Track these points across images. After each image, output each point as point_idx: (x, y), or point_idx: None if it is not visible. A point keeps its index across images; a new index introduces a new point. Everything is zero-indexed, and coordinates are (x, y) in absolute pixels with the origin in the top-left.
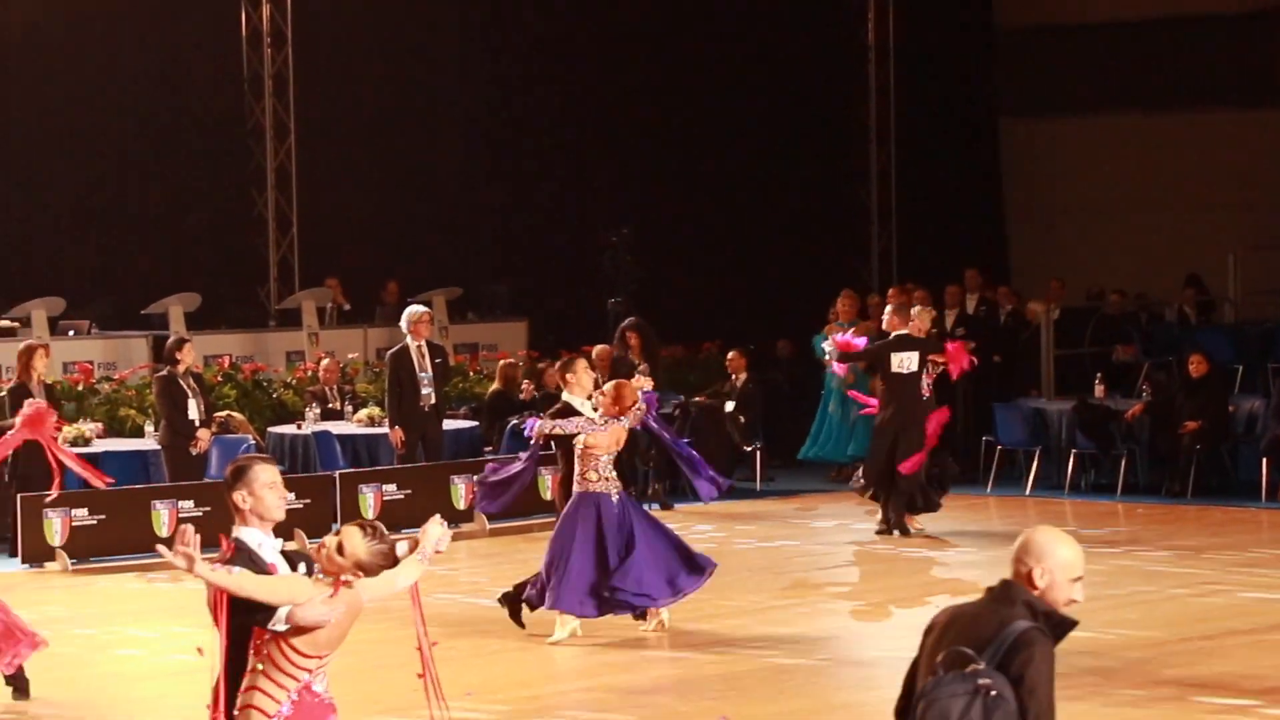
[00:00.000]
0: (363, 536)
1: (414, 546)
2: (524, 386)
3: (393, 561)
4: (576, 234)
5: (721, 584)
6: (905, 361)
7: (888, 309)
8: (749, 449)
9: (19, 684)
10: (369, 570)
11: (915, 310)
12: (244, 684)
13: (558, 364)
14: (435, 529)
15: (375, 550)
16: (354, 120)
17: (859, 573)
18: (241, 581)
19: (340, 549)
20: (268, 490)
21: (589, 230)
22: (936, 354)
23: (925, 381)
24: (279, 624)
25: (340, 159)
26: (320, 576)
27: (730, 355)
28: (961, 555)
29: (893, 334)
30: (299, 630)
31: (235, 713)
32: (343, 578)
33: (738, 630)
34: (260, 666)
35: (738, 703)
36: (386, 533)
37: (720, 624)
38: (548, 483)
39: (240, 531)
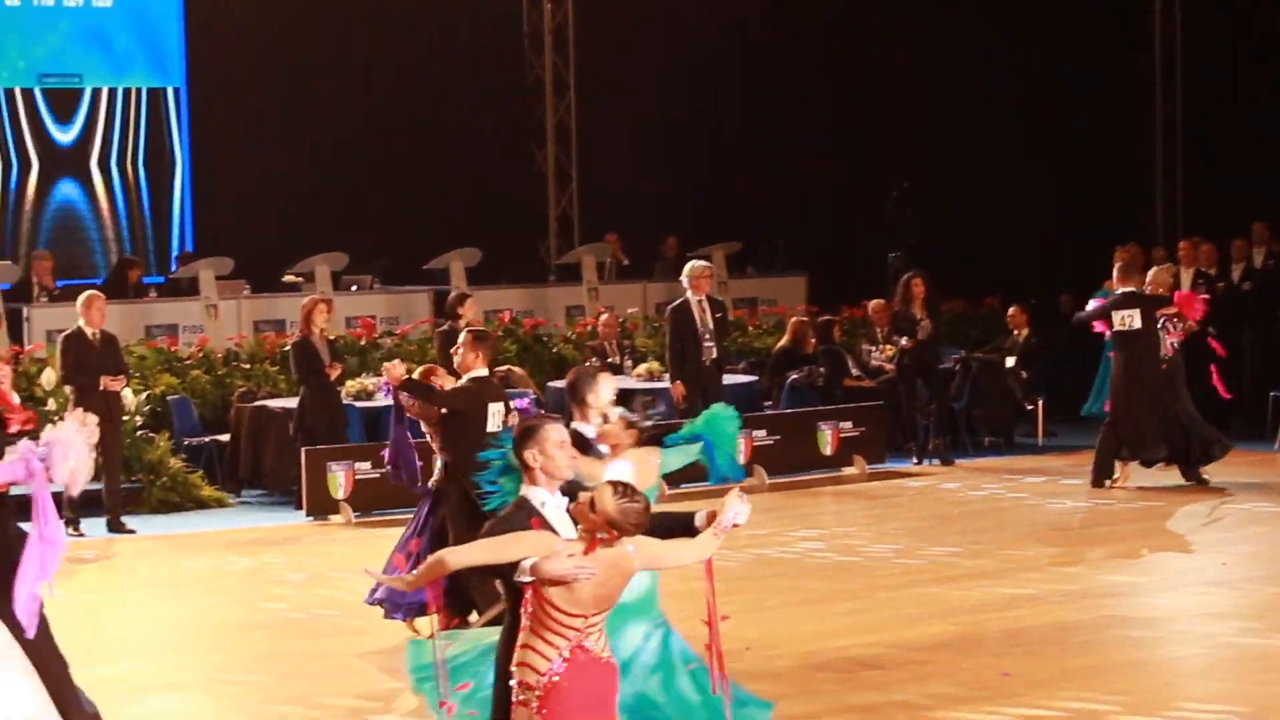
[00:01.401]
0: (613, 495)
1: (711, 518)
2: (810, 342)
3: (643, 521)
4: (856, 188)
5: (1002, 540)
6: (1127, 319)
7: (1115, 266)
8: (1030, 406)
9: None
10: (622, 529)
11: (1153, 270)
12: (519, 640)
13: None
14: (735, 502)
15: (626, 508)
16: (634, 75)
17: (1138, 529)
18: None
19: (593, 505)
20: (558, 449)
21: (869, 184)
22: (1164, 308)
23: (1169, 340)
24: (523, 575)
25: (620, 113)
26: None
27: (1011, 310)
28: (1246, 509)
29: (1119, 291)
30: (556, 587)
31: (512, 668)
32: (598, 535)
33: (1020, 587)
34: (530, 624)
35: (1021, 659)
36: (639, 492)
37: (1002, 580)
38: (828, 437)
39: (528, 490)
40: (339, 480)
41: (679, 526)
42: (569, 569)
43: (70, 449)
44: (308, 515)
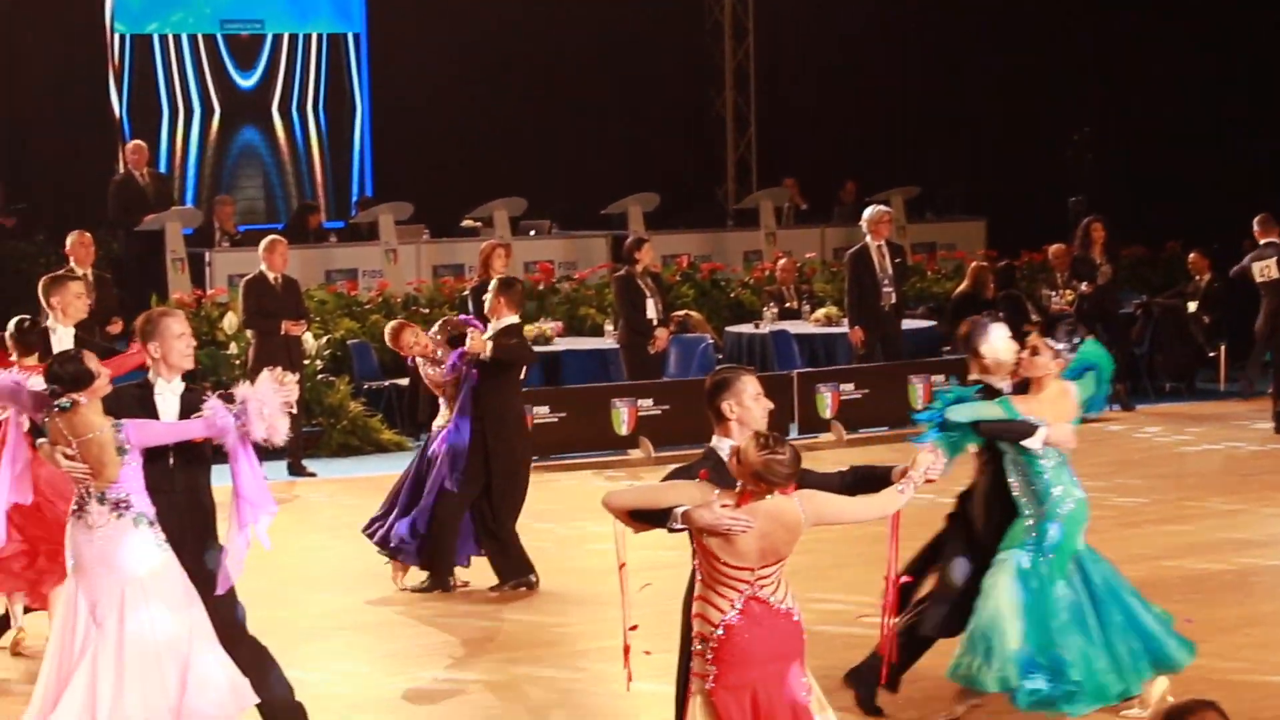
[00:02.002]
0: (758, 447)
1: (903, 473)
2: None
3: (791, 472)
4: (1035, 132)
5: (1184, 486)
6: (1264, 270)
7: (1256, 219)
8: (1212, 352)
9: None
10: (767, 481)
11: None
12: (696, 593)
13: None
14: (926, 457)
15: (769, 461)
16: (812, 20)
17: None
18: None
19: (740, 457)
20: (754, 401)
21: (1049, 128)
22: None
23: None
24: (674, 523)
25: (799, 58)
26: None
27: (1192, 255)
28: None
29: (1261, 242)
30: (715, 539)
31: (691, 616)
32: (748, 488)
33: (1202, 533)
34: (703, 577)
35: (1202, 606)
36: (786, 444)
37: (1184, 526)
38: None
39: (718, 441)
40: None
41: (873, 479)
42: (719, 520)
43: (265, 405)
44: None
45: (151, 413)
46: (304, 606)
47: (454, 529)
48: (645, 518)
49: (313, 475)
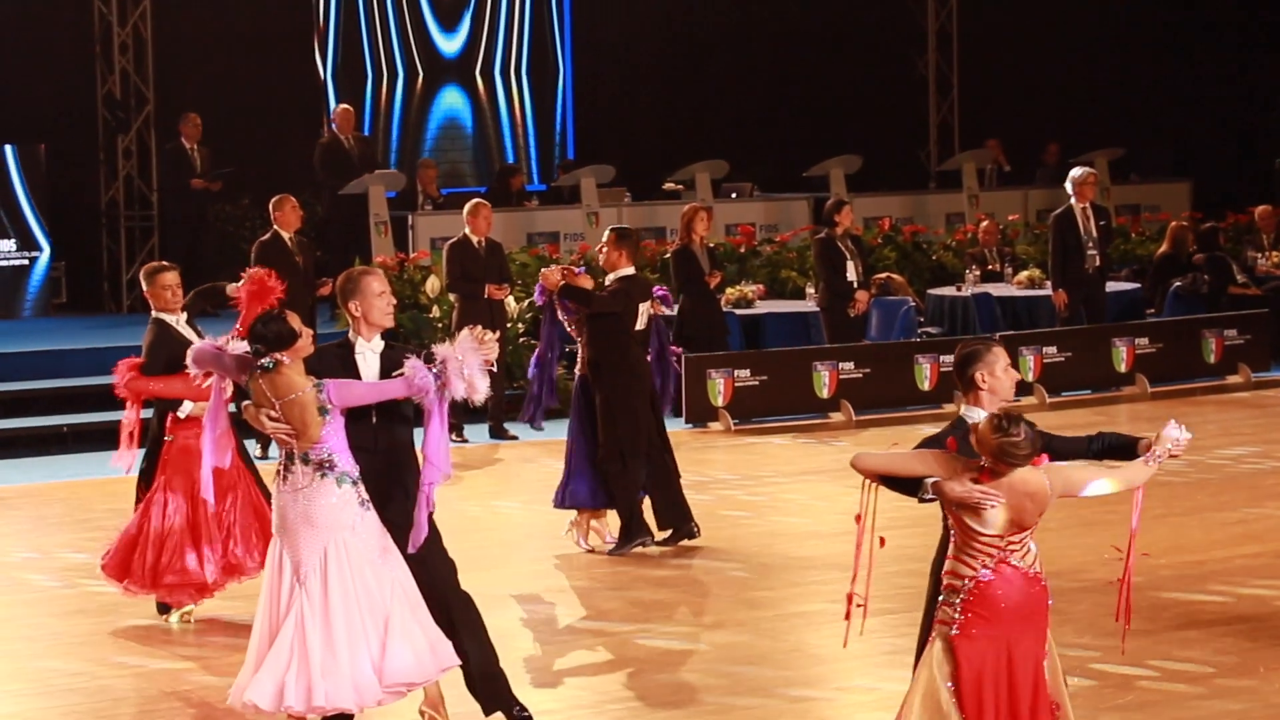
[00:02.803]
0: (993, 431)
1: (1148, 446)
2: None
3: (1029, 452)
4: (1243, 92)
5: None
6: None
7: None
8: None
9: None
10: (1008, 463)
11: None
12: (949, 553)
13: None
14: (1172, 431)
15: (1004, 445)
16: None
17: None
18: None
19: (977, 436)
20: (1005, 373)
21: (1256, 89)
22: None
23: None
24: (925, 493)
25: (1001, 20)
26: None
27: None
28: None
29: None
30: (967, 510)
31: (942, 573)
32: (983, 463)
33: None
34: (955, 539)
35: None
36: (1022, 424)
37: None
38: (1211, 345)
39: (968, 411)
40: (718, 387)
41: (1120, 448)
42: (969, 493)
43: (465, 364)
44: (687, 422)
45: (352, 372)
46: (503, 569)
47: (628, 481)
48: (895, 484)
49: (514, 439)
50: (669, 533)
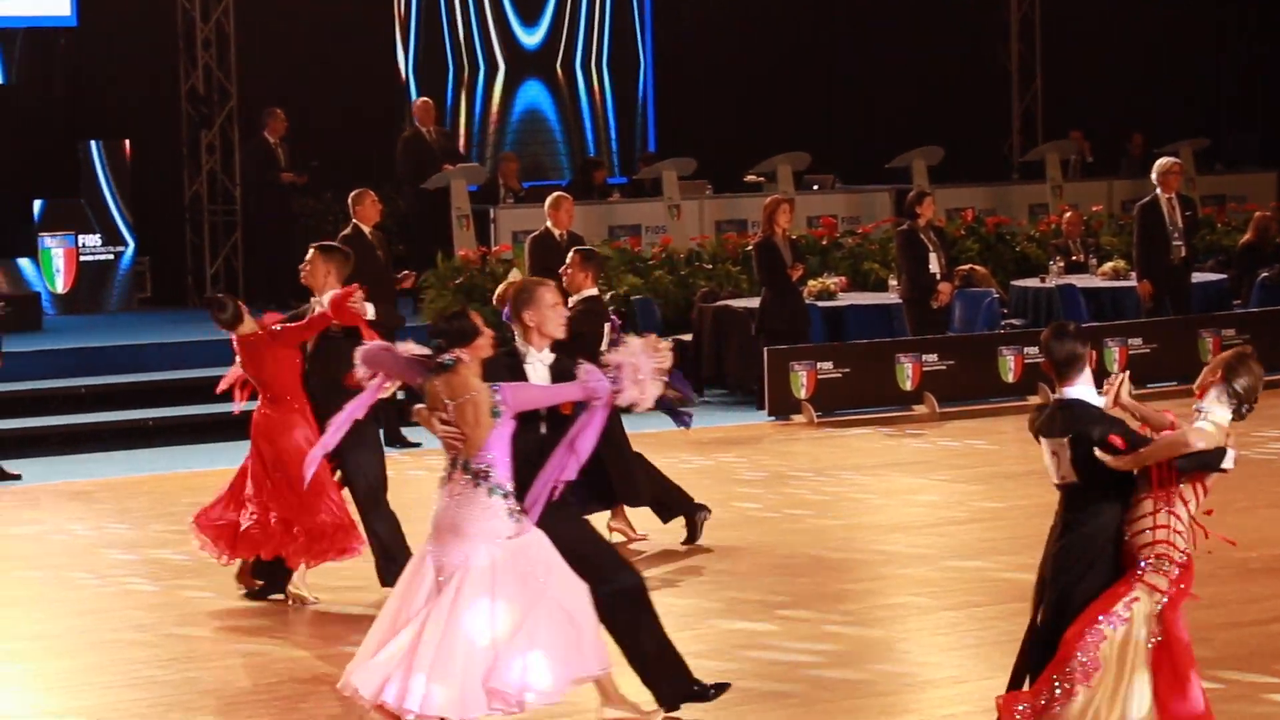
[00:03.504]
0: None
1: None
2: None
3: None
4: None
5: None
6: None
7: None
8: None
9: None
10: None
11: None
12: (1147, 523)
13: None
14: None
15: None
16: None
17: None
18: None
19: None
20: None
21: None
22: None
23: None
24: (1228, 463)
25: (1084, 9)
26: None
27: None
28: None
29: None
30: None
31: (1141, 535)
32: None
33: None
34: (1170, 509)
35: None
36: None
37: None
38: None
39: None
40: (801, 380)
41: None
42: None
43: (640, 371)
44: (770, 415)
45: (522, 381)
46: None
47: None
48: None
49: None
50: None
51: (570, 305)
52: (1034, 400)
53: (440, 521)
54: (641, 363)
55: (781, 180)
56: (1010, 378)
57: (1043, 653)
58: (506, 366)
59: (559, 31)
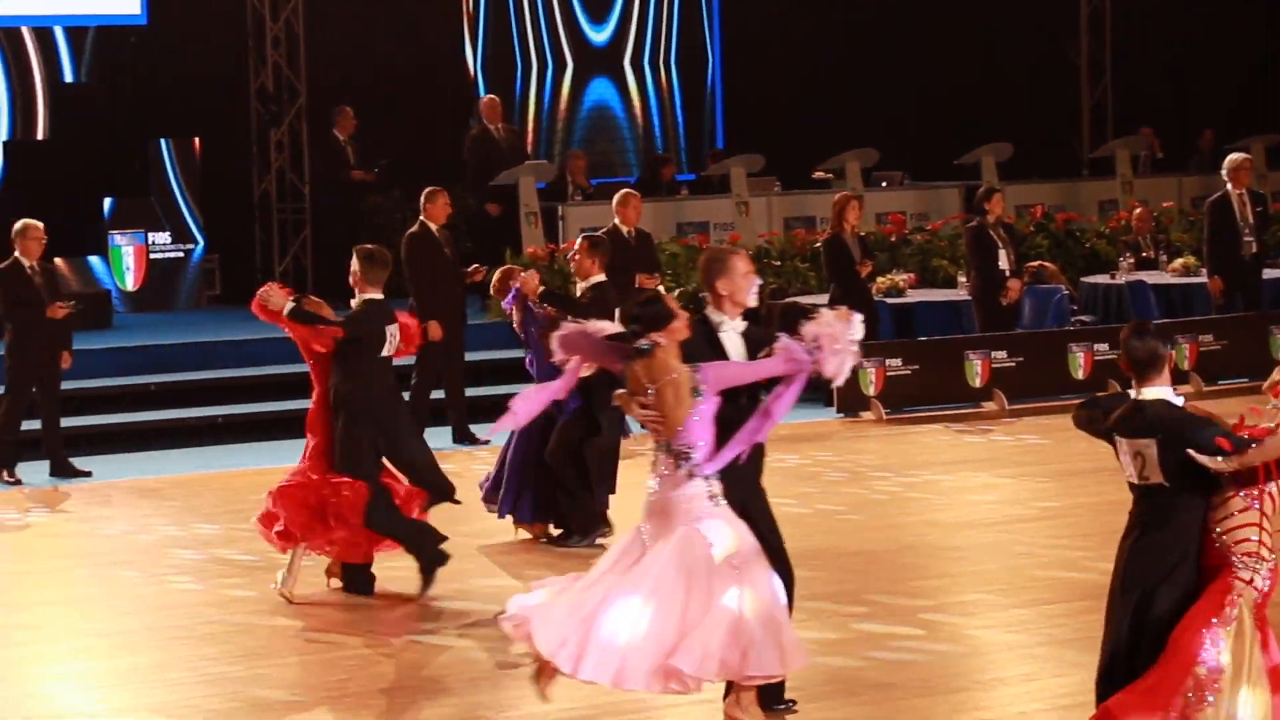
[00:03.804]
0: None
1: None
2: None
3: None
4: None
5: None
6: None
7: None
8: None
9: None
10: None
11: None
12: (1237, 521)
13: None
14: None
15: None
16: None
17: None
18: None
19: None
20: None
21: None
22: None
23: None
24: None
25: (1154, 3)
26: None
27: None
28: None
29: None
30: None
31: (1230, 534)
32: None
33: None
34: (1257, 507)
35: None
36: None
37: None
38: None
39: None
40: (870, 376)
41: None
42: None
43: (839, 343)
44: (839, 412)
45: (718, 350)
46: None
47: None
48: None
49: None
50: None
51: (580, 292)
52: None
53: (649, 503)
54: (839, 333)
55: (850, 177)
56: (1080, 374)
57: (1131, 657)
58: (704, 338)
59: (627, 28)
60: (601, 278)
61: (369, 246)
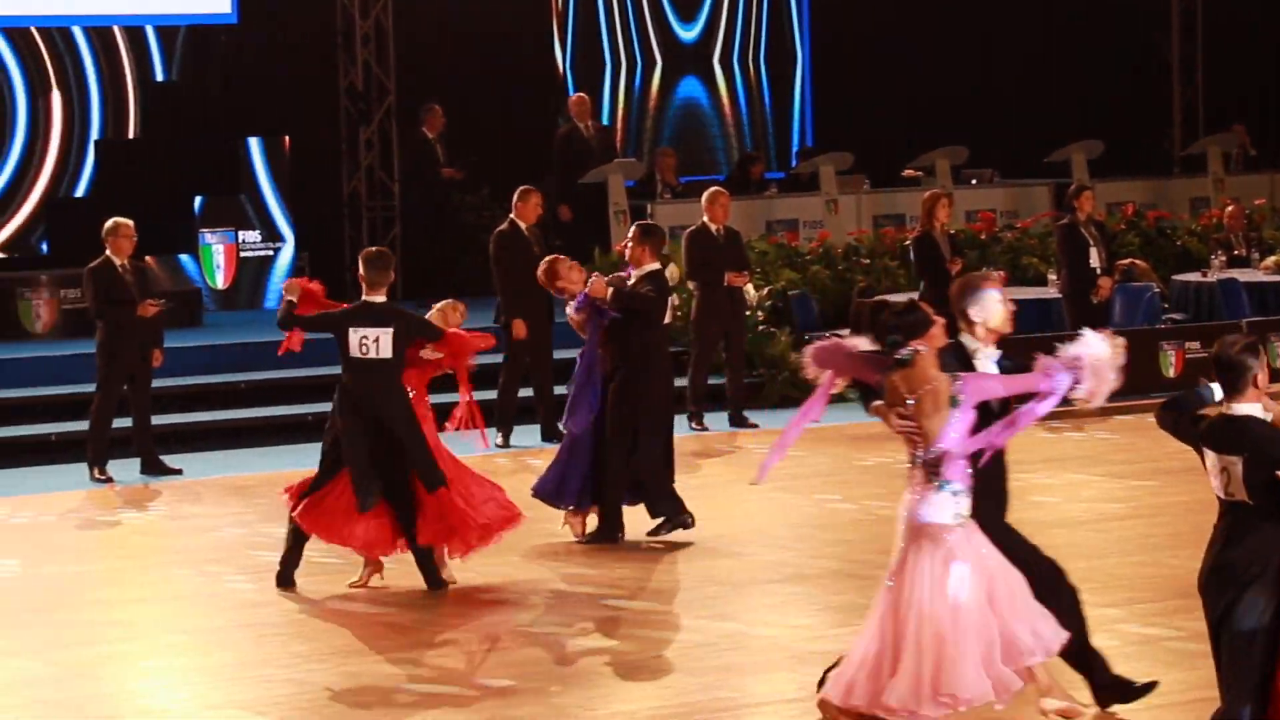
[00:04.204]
0: None
1: None
2: None
3: None
4: None
5: None
6: None
7: None
8: None
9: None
10: None
11: None
12: None
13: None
14: None
15: None
16: None
17: None
18: None
19: None
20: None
21: None
22: None
23: None
24: None
25: (1247, 3)
26: None
27: None
28: None
29: None
30: None
31: None
32: None
33: None
34: None
35: None
36: None
37: None
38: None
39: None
40: None
41: None
42: None
43: (1102, 364)
44: None
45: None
46: (745, 556)
47: (620, 476)
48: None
49: (754, 426)
50: (660, 521)
51: (632, 280)
52: None
53: (905, 517)
54: (1106, 357)
55: (940, 174)
56: (1171, 372)
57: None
58: (956, 359)
59: (716, 26)
60: (655, 266)
61: (372, 250)
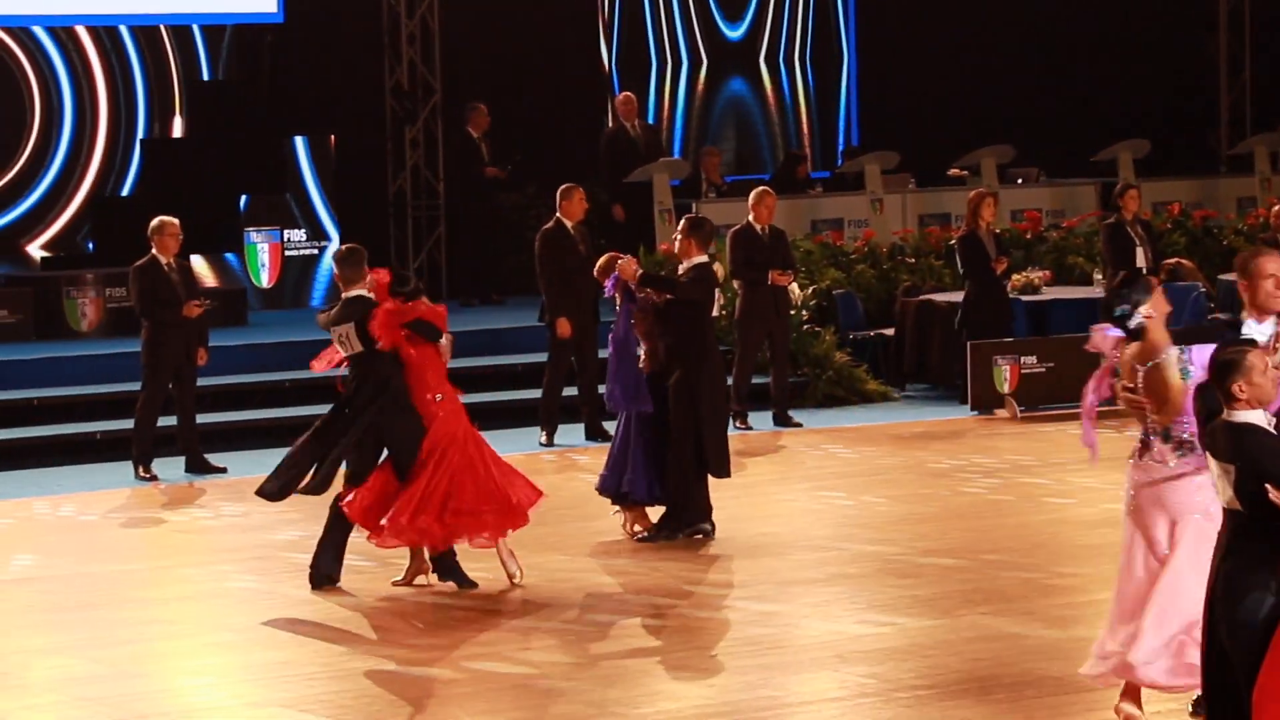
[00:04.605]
0: None
1: None
2: None
3: None
4: None
5: None
6: None
7: None
8: None
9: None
10: None
11: None
12: None
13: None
14: None
15: None
16: None
17: None
18: None
19: None
20: (1264, 378)
21: None
22: None
23: None
24: None
25: None
26: None
27: None
28: None
29: None
30: None
31: None
32: None
33: None
34: None
35: None
36: None
37: None
38: None
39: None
40: (1004, 374)
41: None
42: None
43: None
44: (972, 409)
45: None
46: (788, 555)
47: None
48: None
49: (798, 425)
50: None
51: (680, 272)
52: None
53: (1140, 496)
54: None
55: (985, 174)
56: None
57: (1219, 676)
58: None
59: (761, 25)
60: (704, 259)
61: (343, 248)
